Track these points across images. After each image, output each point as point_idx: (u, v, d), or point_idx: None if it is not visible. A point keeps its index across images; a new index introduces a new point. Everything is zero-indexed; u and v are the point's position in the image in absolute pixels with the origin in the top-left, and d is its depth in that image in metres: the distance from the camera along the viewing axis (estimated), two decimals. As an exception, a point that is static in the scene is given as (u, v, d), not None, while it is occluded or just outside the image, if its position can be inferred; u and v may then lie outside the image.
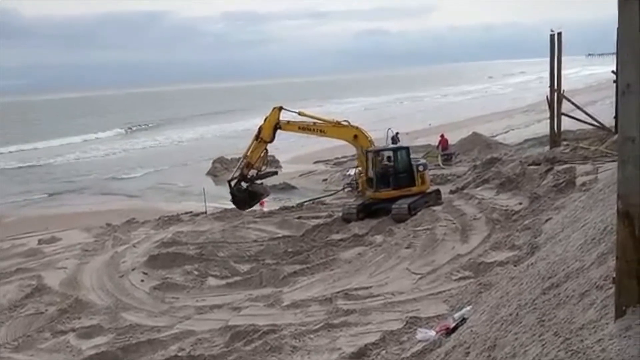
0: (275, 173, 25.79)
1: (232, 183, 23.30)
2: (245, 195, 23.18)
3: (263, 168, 23.48)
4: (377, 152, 23.10)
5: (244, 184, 23.23)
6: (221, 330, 13.36)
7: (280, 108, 22.96)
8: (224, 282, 17.42)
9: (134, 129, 76.85)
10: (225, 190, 33.93)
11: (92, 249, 21.60)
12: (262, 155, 23.14)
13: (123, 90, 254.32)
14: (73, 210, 30.99)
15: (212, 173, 39.01)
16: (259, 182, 23.73)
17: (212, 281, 17.56)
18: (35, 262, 20.35)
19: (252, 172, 23.21)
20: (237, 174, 23.42)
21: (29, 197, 35.03)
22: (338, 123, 23.25)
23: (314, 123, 23.41)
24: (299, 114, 23.25)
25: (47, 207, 32.62)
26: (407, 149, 23.77)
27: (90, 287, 17.82)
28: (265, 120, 22.94)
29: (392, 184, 22.52)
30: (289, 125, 23.17)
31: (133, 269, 18.96)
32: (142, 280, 17.98)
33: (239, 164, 23.87)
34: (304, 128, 23.43)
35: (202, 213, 26.01)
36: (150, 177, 41.00)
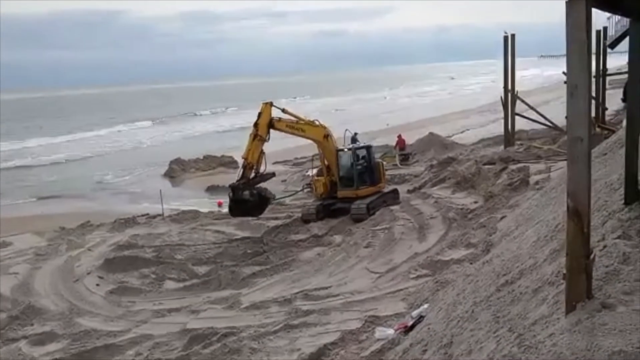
0: (273, 175, 23.89)
1: (239, 187, 21.31)
2: (257, 200, 21.43)
3: (261, 169, 21.78)
4: (357, 149, 23.29)
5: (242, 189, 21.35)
6: (179, 334, 13.21)
7: (271, 104, 21.87)
8: (181, 285, 17.23)
9: (89, 133, 74.43)
10: (182, 191, 33.78)
11: (45, 254, 21.03)
12: (260, 155, 21.54)
13: (78, 90, 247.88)
14: (25, 213, 30.12)
15: (169, 174, 38.52)
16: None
17: (169, 284, 17.34)
18: (-15, 267, 19.71)
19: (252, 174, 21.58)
20: (240, 178, 21.47)
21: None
22: (312, 122, 23.04)
23: (297, 122, 22.61)
24: (283, 111, 22.39)
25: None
26: (371, 147, 24.45)
27: (43, 292, 17.36)
28: (258, 117, 21.55)
29: (368, 181, 22.96)
30: (280, 123, 21.92)
31: (88, 273, 18.54)
32: (98, 285, 17.61)
33: (240, 167, 21.87)
34: (290, 127, 22.31)
35: (159, 215, 25.64)
36: (107, 180, 40.16)
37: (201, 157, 40.90)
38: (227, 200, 29.43)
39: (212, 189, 32.70)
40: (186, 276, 17.76)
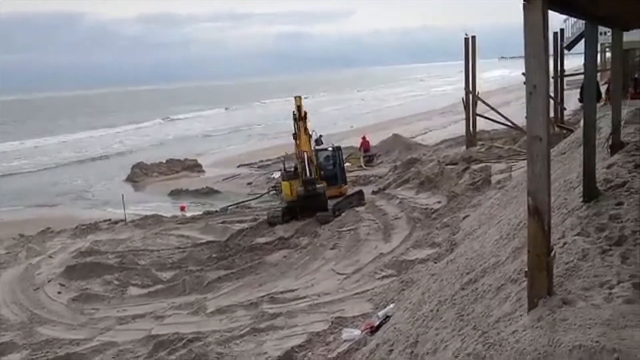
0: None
1: (313, 182, 21.28)
2: (325, 193, 21.58)
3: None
4: (338, 149, 24.09)
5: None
6: (144, 340, 13.00)
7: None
8: (145, 290, 16.94)
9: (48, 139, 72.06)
10: (145, 196, 33.27)
11: (3, 262, 20.49)
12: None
13: (40, 93, 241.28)
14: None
15: (132, 179, 37.93)
16: None
17: (133, 290, 17.04)
18: (-60, 277, 19.10)
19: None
20: (309, 172, 21.30)
21: None
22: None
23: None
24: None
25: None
26: (341, 148, 25.36)
27: (2, 301, 16.88)
28: (299, 111, 21.62)
29: (345, 179, 23.93)
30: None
31: (49, 281, 18.13)
32: (59, 292, 17.23)
33: (306, 164, 21.43)
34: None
35: (121, 220, 25.21)
36: (67, 185, 39.34)
37: (164, 161, 40.42)
38: (188, 203, 29.33)
39: (175, 193, 32.33)
40: (150, 282, 17.49)
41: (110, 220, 25.82)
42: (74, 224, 25.39)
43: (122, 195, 27.49)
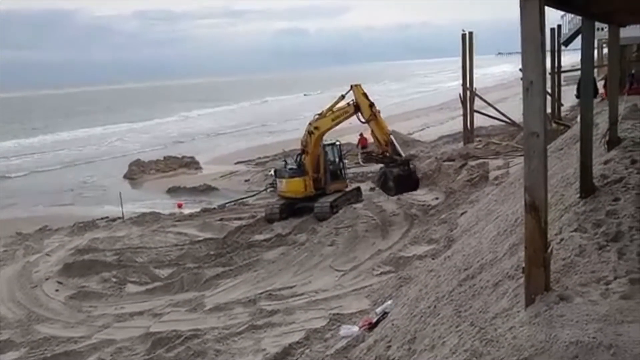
0: None
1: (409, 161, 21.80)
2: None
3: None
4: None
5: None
6: (142, 338, 13.02)
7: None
8: (143, 288, 16.96)
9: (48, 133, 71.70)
10: (143, 193, 33.24)
11: (1, 260, 20.48)
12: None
13: (38, 91, 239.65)
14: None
15: (129, 176, 37.86)
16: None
17: (131, 288, 17.06)
18: (-62, 276, 19.07)
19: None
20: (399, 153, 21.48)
21: None
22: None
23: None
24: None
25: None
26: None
27: None
28: (367, 98, 21.48)
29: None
30: None
31: (47, 279, 18.14)
32: (57, 290, 17.24)
33: (396, 146, 21.72)
34: None
35: (119, 218, 25.19)
36: (65, 183, 39.24)
37: (161, 158, 40.35)
38: (186, 201, 29.32)
39: (172, 191, 32.29)
40: (148, 279, 17.50)
41: (107, 217, 25.80)
42: (72, 221, 25.34)
43: (120, 193, 27.46)
